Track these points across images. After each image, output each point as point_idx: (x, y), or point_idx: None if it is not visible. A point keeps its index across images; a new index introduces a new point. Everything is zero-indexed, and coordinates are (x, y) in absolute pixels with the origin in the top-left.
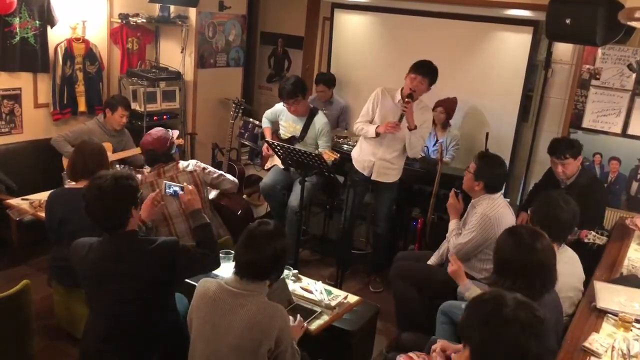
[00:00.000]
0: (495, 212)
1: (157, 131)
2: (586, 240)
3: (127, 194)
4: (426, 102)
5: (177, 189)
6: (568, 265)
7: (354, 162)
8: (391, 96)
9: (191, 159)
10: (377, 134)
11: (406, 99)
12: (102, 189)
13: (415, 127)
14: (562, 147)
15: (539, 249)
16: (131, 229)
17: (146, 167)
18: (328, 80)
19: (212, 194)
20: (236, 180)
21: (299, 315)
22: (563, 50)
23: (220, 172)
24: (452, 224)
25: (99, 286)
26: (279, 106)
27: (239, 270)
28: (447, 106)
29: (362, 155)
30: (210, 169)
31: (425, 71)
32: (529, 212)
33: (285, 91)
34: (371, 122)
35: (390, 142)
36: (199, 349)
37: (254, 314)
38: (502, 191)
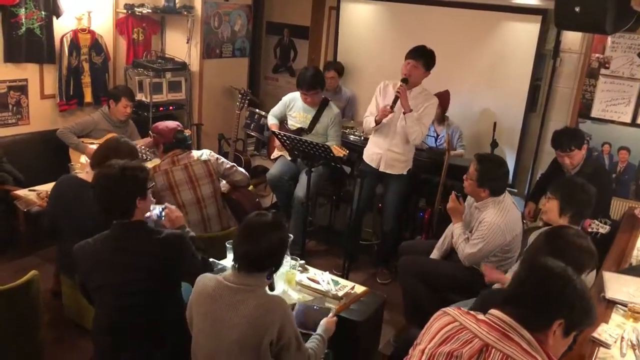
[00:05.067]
0: (505, 218)
1: (158, 124)
2: (589, 230)
3: (132, 184)
4: (430, 92)
5: (159, 210)
6: None
7: (364, 156)
8: (393, 85)
9: (198, 149)
10: (377, 123)
11: (400, 83)
12: (108, 177)
13: (411, 110)
14: (566, 140)
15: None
16: (139, 219)
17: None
18: (339, 68)
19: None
20: (247, 173)
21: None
22: (572, 39)
23: (233, 164)
24: (457, 229)
25: (107, 279)
26: (287, 98)
27: (236, 263)
28: (442, 100)
29: (371, 149)
30: (223, 159)
31: (418, 54)
32: (548, 192)
33: (305, 82)
34: None
35: (394, 132)
36: (201, 344)
37: (254, 309)
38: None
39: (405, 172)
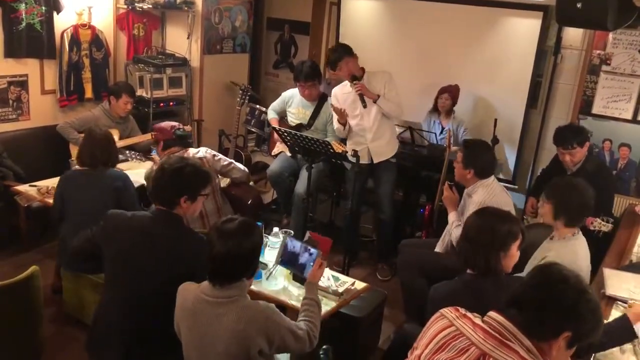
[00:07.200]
0: (493, 199)
1: (160, 123)
2: (591, 228)
3: (179, 181)
4: (372, 70)
5: None
6: (585, 250)
7: (349, 157)
8: (340, 90)
9: (198, 146)
10: (343, 125)
11: (354, 83)
12: (162, 168)
13: (378, 96)
14: (569, 137)
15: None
16: (177, 213)
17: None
18: None
19: (223, 183)
20: (246, 169)
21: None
22: (573, 35)
23: (231, 160)
24: (452, 216)
25: (125, 253)
26: (287, 94)
27: (209, 275)
28: (453, 93)
29: (354, 146)
30: (221, 156)
31: (347, 51)
32: (543, 195)
33: (303, 73)
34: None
35: (371, 125)
36: (190, 356)
37: (235, 322)
38: (494, 175)
39: (393, 155)
